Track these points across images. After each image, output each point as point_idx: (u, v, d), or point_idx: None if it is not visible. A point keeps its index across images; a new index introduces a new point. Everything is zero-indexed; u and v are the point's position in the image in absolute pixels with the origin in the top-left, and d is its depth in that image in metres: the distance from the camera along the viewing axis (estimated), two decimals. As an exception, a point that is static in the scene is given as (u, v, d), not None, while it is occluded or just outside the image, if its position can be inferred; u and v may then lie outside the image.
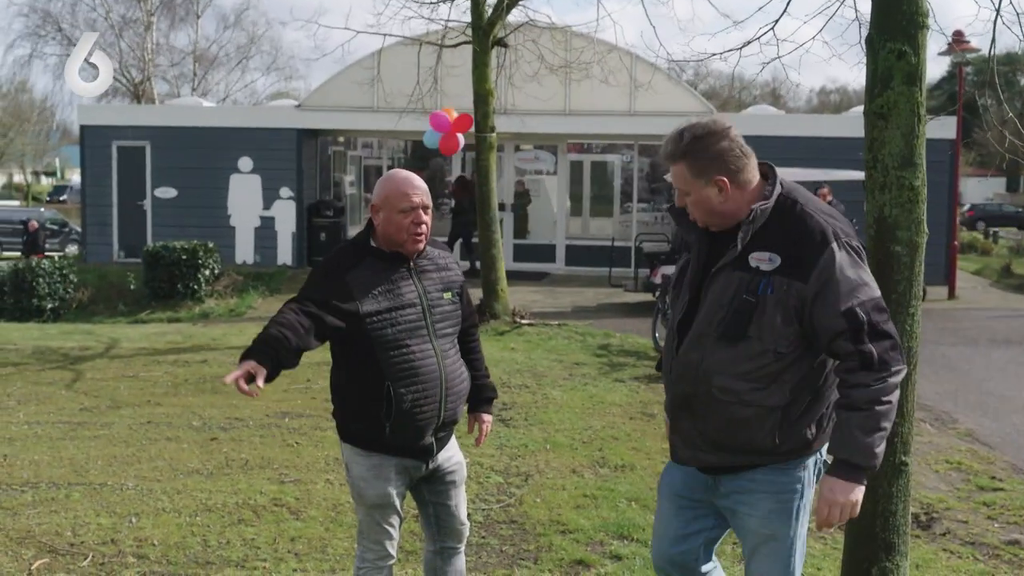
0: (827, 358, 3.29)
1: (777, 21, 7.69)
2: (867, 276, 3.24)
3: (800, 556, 3.45)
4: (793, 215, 3.27)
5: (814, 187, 16.87)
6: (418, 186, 3.98)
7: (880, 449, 3.15)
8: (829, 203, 16.23)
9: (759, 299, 3.20)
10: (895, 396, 3.17)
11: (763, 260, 3.21)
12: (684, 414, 3.42)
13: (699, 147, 3.26)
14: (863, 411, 3.13)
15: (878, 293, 3.23)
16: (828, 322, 3.16)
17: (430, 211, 4.00)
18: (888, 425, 3.16)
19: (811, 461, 3.38)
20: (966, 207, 49.80)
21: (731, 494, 3.44)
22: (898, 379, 3.17)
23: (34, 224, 28.08)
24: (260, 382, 3.52)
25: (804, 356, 3.26)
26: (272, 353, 3.63)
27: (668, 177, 3.43)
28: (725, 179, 3.26)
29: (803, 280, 3.17)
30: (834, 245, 3.19)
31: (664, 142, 3.36)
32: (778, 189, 3.31)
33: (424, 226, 3.96)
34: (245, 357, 3.58)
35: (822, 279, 3.16)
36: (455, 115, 15.03)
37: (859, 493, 3.18)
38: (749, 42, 8.03)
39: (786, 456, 3.32)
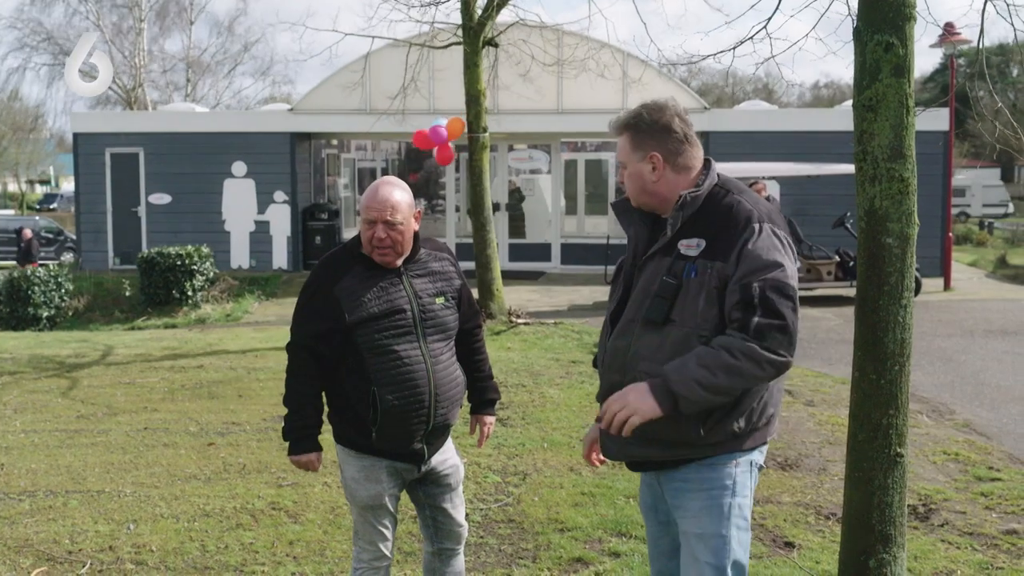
0: None
1: (770, 19, 7.68)
2: (783, 259, 3.15)
3: (735, 559, 3.28)
4: (723, 203, 3.27)
5: (751, 183, 16.86)
6: (382, 199, 3.91)
7: (698, 396, 3.04)
8: (766, 199, 16.17)
9: (682, 282, 3.18)
10: (752, 370, 3.05)
11: (690, 246, 3.21)
12: None
13: (644, 121, 3.32)
14: (711, 351, 3.07)
15: (789, 279, 3.13)
16: (729, 294, 3.13)
17: (400, 226, 3.91)
18: (722, 384, 3.04)
19: (744, 459, 3.29)
20: None
21: (668, 496, 3.38)
22: (767, 357, 3.05)
23: (28, 233, 28.04)
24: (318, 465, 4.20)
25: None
26: (312, 433, 4.12)
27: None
28: (659, 156, 3.29)
29: (724, 260, 3.15)
30: (756, 226, 3.18)
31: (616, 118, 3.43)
32: (712, 179, 3.33)
33: (386, 240, 3.90)
34: (296, 448, 4.14)
35: (738, 256, 3.14)
36: (445, 126, 14.80)
37: (649, 408, 3.06)
38: (742, 41, 8.02)
39: (714, 449, 3.24)
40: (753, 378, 3.07)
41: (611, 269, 19.89)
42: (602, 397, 3.39)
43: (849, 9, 6.72)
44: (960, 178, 53.22)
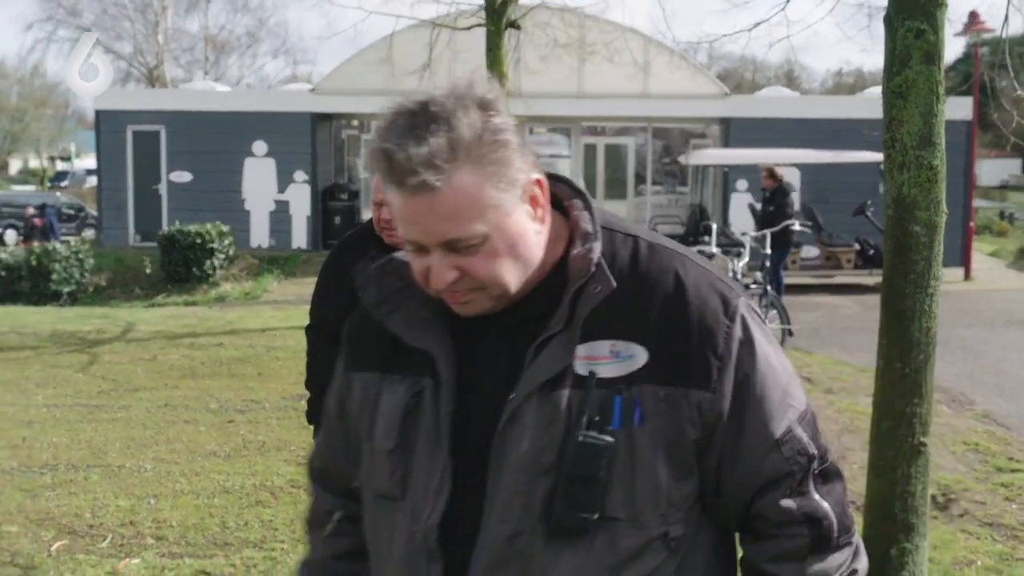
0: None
1: (788, 2, 7.66)
2: (787, 362, 1.67)
3: None
4: (642, 263, 1.62)
5: (769, 170, 14.91)
6: None
7: None
8: (780, 188, 14.53)
9: (619, 436, 1.52)
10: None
11: (598, 358, 1.55)
12: None
13: (495, 136, 1.56)
14: None
15: (804, 393, 1.68)
16: (755, 462, 1.59)
17: None
18: None
19: None
20: None
21: None
22: (851, 541, 1.72)
23: (29, 210, 28.30)
24: None
25: (704, 535, 1.65)
26: None
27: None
28: (543, 183, 1.61)
29: (703, 386, 1.55)
30: (741, 311, 1.60)
31: (392, 142, 1.53)
32: (598, 218, 1.66)
33: (393, 221, 3.88)
34: None
35: (738, 381, 1.57)
36: None
37: None
38: (759, 24, 8.02)
39: None
40: None
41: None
42: None
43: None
44: None
